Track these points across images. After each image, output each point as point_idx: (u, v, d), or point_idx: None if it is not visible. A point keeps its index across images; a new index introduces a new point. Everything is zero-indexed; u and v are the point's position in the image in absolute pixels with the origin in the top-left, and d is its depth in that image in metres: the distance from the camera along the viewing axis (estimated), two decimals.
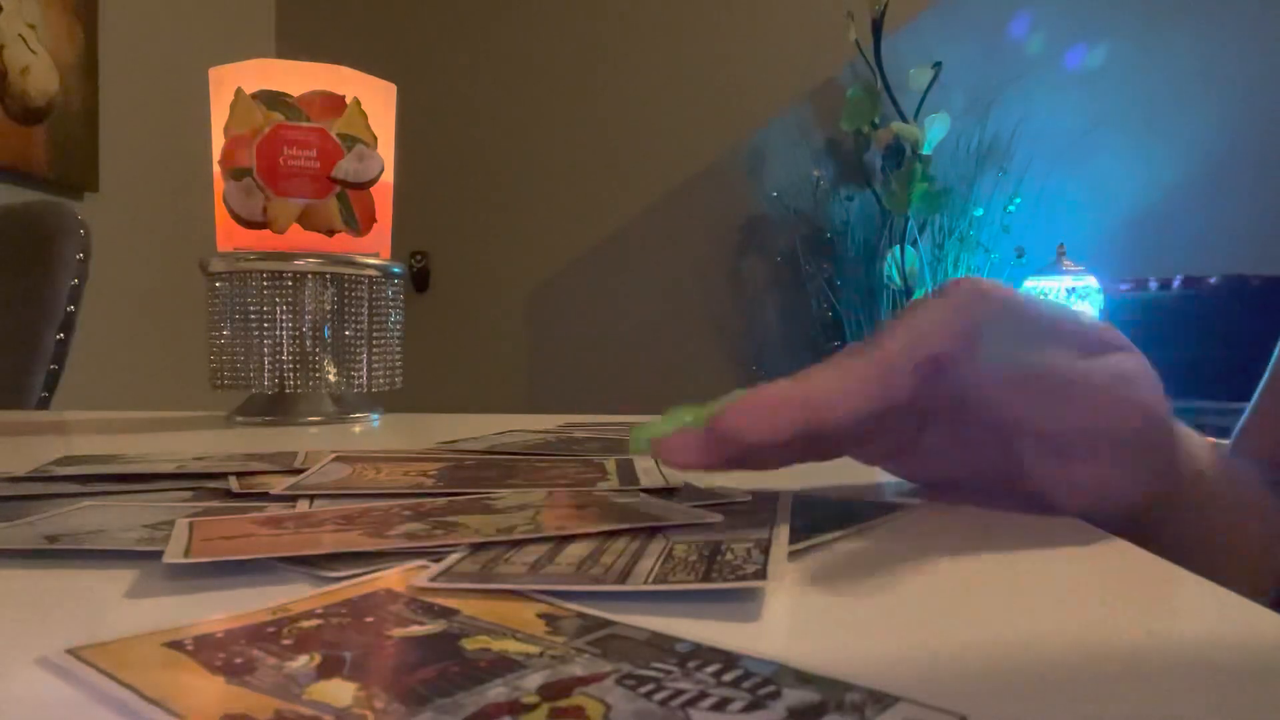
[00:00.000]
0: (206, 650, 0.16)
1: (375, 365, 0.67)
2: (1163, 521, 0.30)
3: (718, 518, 0.26)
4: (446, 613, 0.18)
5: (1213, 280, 1.99)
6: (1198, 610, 0.21)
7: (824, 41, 2.43)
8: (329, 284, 0.65)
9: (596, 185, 2.71)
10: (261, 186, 0.64)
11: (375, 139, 0.67)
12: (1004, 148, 2.31)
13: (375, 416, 0.66)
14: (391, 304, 0.68)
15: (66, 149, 2.22)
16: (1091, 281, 2.04)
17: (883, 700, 0.14)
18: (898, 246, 2.21)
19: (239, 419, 0.64)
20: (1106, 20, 2.32)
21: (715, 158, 2.60)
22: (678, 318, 2.63)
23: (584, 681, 0.15)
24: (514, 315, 2.80)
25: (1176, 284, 2.02)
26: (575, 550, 0.22)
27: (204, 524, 0.25)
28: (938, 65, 2.22)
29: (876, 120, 2.25)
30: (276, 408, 0.64)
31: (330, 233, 0.66)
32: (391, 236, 0.71)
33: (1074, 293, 2.03)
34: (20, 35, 2.09)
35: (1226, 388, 1.18)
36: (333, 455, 0.37)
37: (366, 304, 0.66)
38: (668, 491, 0.30)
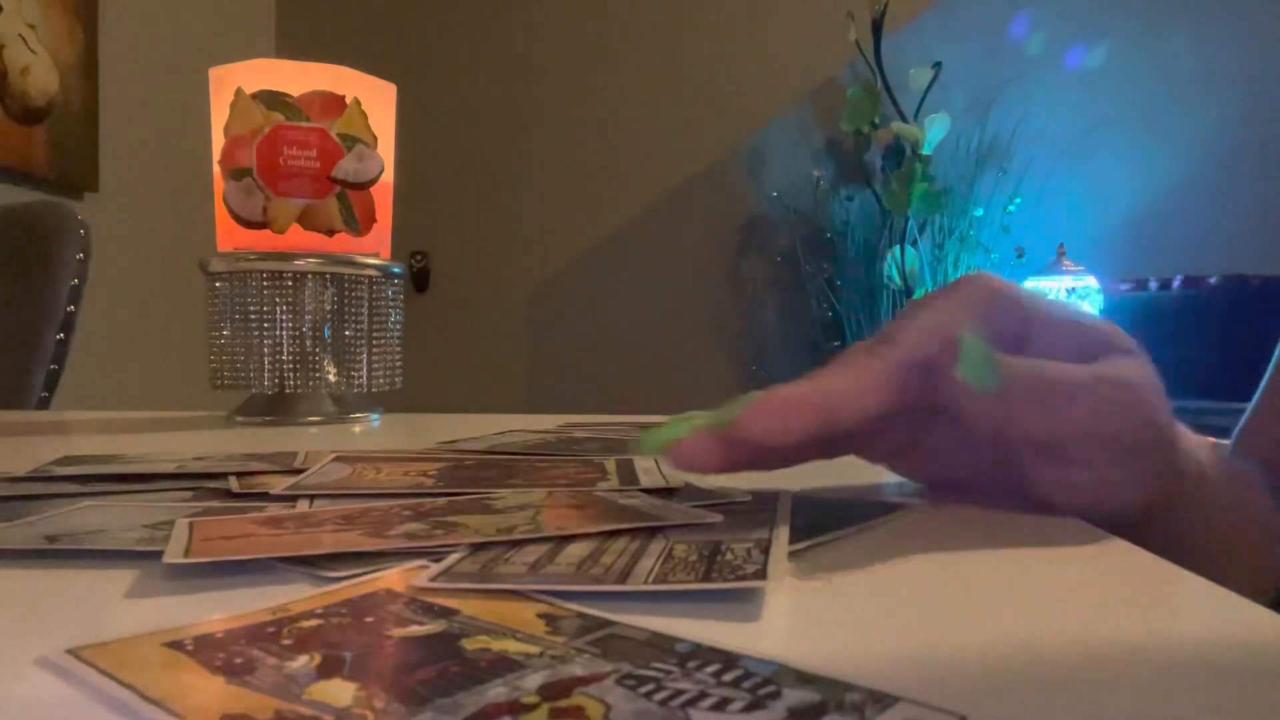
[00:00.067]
0: (206, 650, 0.16)
1: (375, 365, 0.67)
2: (1163, 521, 0.30)
3: (718, 518, 0.26)
4: (446, 613, 0.18)
5: (1213, 280, 1.99)
6: (1198, 610, 0.21)
7: (824, 41, 2.43)
8: (329, 284, 0.65)
9: (596, 185, 2.71)
10: (261, 186, 0.64)
11: (375, 139, 0.67)
12: (1004, 148, 2.31)
13: (375, 416, 0.66)
14: (391, 304, 0.68)
15: (66, 149, 2.22)
16: (1091, 282, 2.04)
17: (883, 700, 0.14)
18: (898, 246, 2.21)
19: (239, 419, 0.64)
20: (1106, 20, 2.32)
21: (715, 158, 2.60)
22: (678, 318, 2.63)
23: (584, 681, 0.15)
24: (514, 315, 2.80)
25: (1176, 284, 2.02)
26: (575, 550, 0.22)
27: (204, 524, 0.25)
28: (938, 65, 2.22)
29: (876, 120, 2.25)
30: (276, 408, 0.64)
31: (330, 233, 0.66)
32: (391, 236, 0.71)
33: (1074, 293, 2.03)
34: (20, 35, 2.09)
35: (1226, 388, 1.18)
36: (333, 455, 0.37)
37: (366, 304, 0.66)
38: (668, 491, 0.30)
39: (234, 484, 0.32)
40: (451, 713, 0.13)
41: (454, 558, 0.22)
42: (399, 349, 0.70)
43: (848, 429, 0.25)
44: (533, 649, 0.16)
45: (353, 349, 0.66)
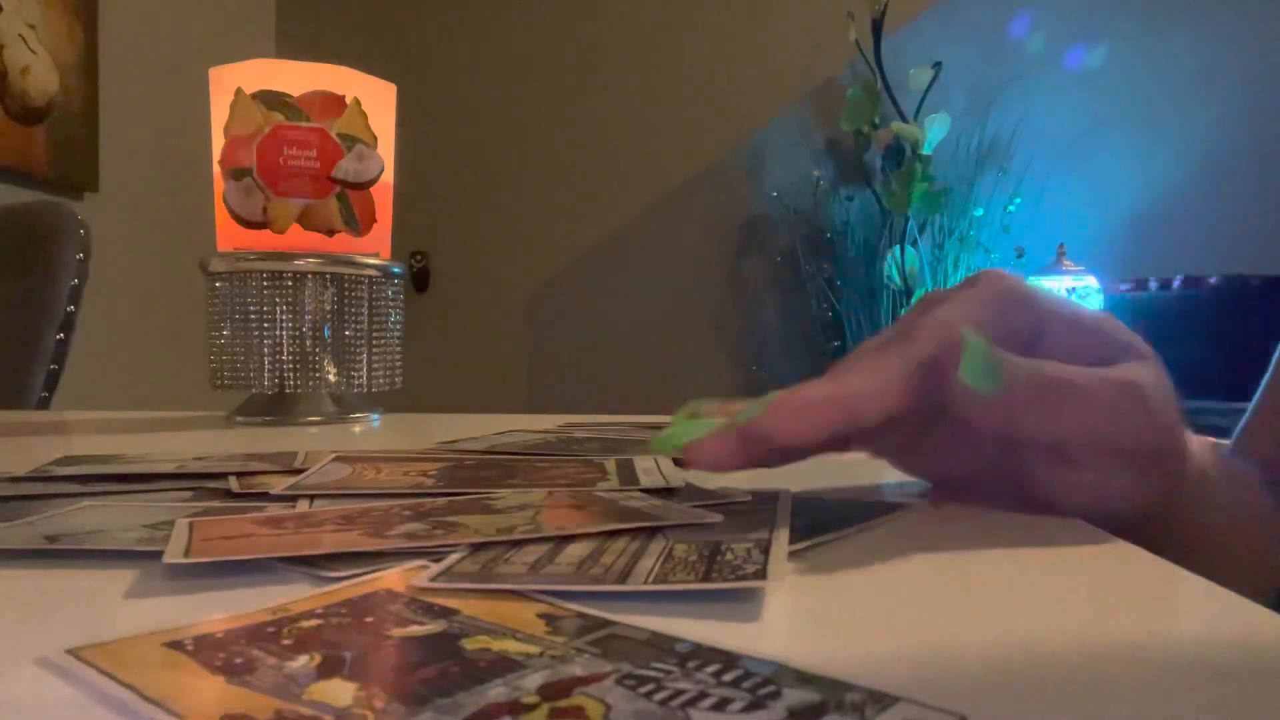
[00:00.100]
0: (206, 650, 0.16)
1: (375, 365, 0.67)
2: (1163, 522, 0.30)
3: (718, 518, 0.26)
4: (446, 613, 0.18)
5: (1213, 280, 1.99)
6: (1198, 610, 0.21)
7: (824, 41, 2.43)
8: (329, 284, 0.65)
9: (596, 185, 2.71)
10: (261, 186, 0.64)
11: (375, 139, 0.67)
12: (1004, 148, 2.31)
13: (375, 416, 0.66)
14: (391, 304, 0.68)
15: (66, 149, 2.22)
16: (1091, 282, 2.04)
17: (883, 700, 0.14)
18: (898, 246, 2.21)
19: (239, 419, 0.64)
20: (1106, 20, 2.32)
21: (715, 158, 2.60)
22: (678, 318, 2.63)
23: (584, 681, 0.15)
24: (514, 315, 2.80)
25: (1176, 284, 2.02)
26: (575, 550, 0.22)
27: (204, 524, 0.25)
28: (938, 65, 2.22)
29: (876, 120, 2.25)
30: (276, 408, 0.64)
31: (330, 233, 0.66)
32: (391, 236, 0.71)
33: (1074, 293, 2.03)
34: (20, 35, 2.09)
35: (1226, 388, 1.18)
36: (333, 455, 0.37)
37: (366, 304, 0.66)
38: (668, 491, 0.30)
39: (234, 484, 0.32)
40: (451, 713, 0.13)
41: (454, 558, 0.22)
42: (399, 349, 0.70)
43: (868, 428, 0.25)
44: (533, 649, 0.16)
45: (353, 349, 0.66)
